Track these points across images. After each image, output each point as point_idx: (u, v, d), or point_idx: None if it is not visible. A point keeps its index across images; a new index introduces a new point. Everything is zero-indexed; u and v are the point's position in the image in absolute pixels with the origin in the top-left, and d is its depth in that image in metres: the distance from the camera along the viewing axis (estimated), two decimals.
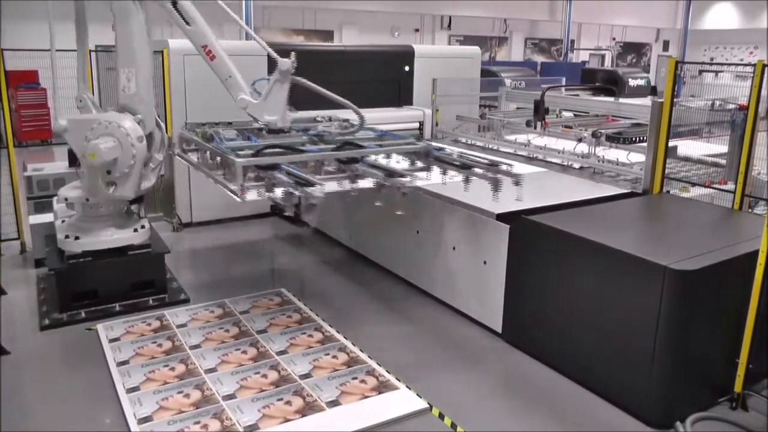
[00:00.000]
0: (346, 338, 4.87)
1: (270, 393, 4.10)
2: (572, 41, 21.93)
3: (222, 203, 6.81)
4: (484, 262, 5.04)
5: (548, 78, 13.21)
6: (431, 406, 4.03)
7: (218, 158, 4.84)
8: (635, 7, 22.12)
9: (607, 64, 22.92)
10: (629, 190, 5.78)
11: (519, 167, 5.76)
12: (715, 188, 5.80)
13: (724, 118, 6.48)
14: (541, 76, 14.80)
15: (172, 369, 4.39)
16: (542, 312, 4.57)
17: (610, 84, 12.88)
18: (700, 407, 3.98)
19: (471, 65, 9.54)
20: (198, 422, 3.77)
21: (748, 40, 22.47)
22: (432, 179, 5.14)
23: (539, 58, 21.68)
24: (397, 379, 4.30)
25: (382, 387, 4.21)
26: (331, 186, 4.57)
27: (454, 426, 3.86)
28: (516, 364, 4.66)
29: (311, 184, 4.18)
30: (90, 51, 5.94)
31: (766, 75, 4.99)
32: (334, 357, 4.59)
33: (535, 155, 7.12)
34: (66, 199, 5.34)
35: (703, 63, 18.07)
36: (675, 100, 5.71)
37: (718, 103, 6.61)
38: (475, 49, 9.90)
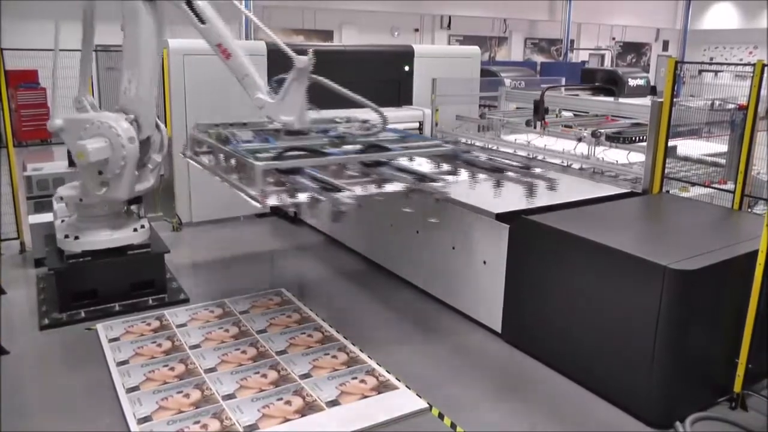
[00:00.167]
0: (345, 338, 4.87)
1: (270, 393, 4.10)
2: (572, 41, 21.93)
3: (222, 203, 6.83)
4: (484, 262, 5.04)
5: (548, 78, 13.18)
6: (431, 406, 4.03)
7: (232, 161, 4.54)
8: (635, 7, 22.12)
9: (607, 64, 22.92)
10: (629, 190, 5.78)
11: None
12: (714, 188, 5.82)
13: (723, 118, 6.50)
14: (540, 76, 14.78)
15: (172, 369, 4.39)
16: (542, 312, 4.57)
17: (609, 84, 12.89)
18: (700, 407, 3.98)
19: (471, 65, 9.52)
20: (198, 422, 3.77)
21: (748, 40, 22.46)
22: (459, 183, 4.82)
23: (539, 58, 21.67)
24: (396, 378, 4.30)
25: (382, 387, 4.21)
26: (357, 191, 4.23)
27: (453, 426, 3.86)
28: (516, 364, 4.66)
29: (339, 189, 3.91)
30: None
31: (765, 75, 5.00)
32: (334, 357, 4.59)
33: (534, 155, 7.11)
34: (61, 198, 5.32)
35: (702, 63, 18.10)
36: (675, 99, 5.72)
37: (717, 102, 6.63)
38: (475, 49, 9.89)
